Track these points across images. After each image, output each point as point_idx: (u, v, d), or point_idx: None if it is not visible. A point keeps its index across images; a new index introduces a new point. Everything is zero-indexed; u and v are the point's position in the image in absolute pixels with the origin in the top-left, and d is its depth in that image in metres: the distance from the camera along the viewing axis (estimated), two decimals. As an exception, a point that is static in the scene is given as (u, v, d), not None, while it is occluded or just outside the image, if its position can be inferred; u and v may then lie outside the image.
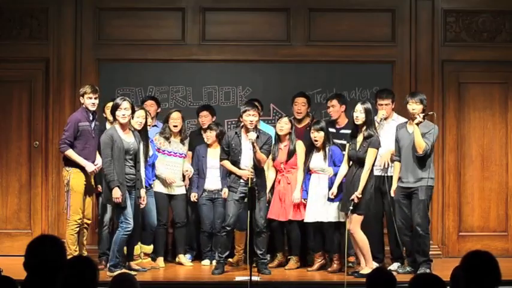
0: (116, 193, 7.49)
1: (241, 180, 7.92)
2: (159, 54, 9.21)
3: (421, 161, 7.71)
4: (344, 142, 8.05)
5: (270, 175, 8.30)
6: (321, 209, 7.94)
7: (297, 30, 9.23)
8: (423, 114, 7.72)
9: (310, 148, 8.05)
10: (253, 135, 7.79)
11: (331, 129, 8.26)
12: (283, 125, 8.22)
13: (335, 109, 8.40)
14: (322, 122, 8.14)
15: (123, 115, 7.63)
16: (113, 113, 7.70)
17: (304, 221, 8.05)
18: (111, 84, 9.21)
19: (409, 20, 9.20)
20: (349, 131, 8.03)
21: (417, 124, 7.68)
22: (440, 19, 9.22)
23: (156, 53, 9.21)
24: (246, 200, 7.89)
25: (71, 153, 7.87)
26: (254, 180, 7.74)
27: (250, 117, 7.84)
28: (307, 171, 8.06)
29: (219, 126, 8.59)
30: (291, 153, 8.19)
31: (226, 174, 8.25)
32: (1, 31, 9.17)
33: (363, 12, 9.25)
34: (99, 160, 7.92)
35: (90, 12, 9.18)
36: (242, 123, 7.99)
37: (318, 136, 7.97)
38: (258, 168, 7.89)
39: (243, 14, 9.27)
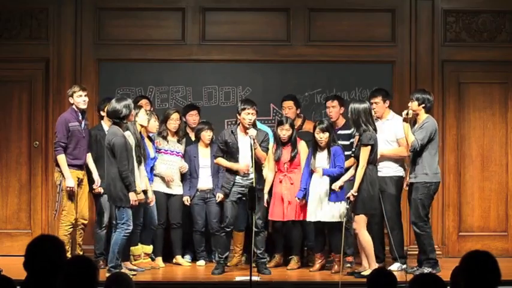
0: (133, 196, 7.50)
1: (237, 181, 7.91)
2: (159, 54, 9.22)
3: (415, 157, 7.74)
4: (346, 143, 8.05)
5: (268, 177, 8.30)
6: (320, 209, 7.93)
7: (297, 30, 9.23)
8: (411, 111, 7.75)
9: (314, 148, 8.05)
10: (253, 131, 7.80)
11: None
12: (286, 132, 8.22)
13: (335, 110, 8.42)
14: (326, 122, 8.13)
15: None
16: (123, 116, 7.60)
17: (307, 220, 8.05)
18: (111, 84, 9.21)
19: (409, 20, 9.21)
20: (347, 131, 8.05)
21: (404, 121, 7.72)
22: (440, 19, 9.22)
23: (156, 53, 9.22)
24: (243, 200, 7.91)
25: (62, 158, 7.92)
26: (251, 176, 7.75)
27: (249, 115, 7.85)
28: (310, 171, 8.05)
29: (211, 125, 8.61)
30: (294, 156, 8.21)
31: (217, 171, 8.27)
32: (1, 31, 9.18)
33: (363, 12, 9.25)
34: (96, 176, 8.10)
35: (90, 12, 9.18)
36: (238, 122, 7.99)
37: (323, 137, 7.95)
38: (257, 166, 7.90)
39: (243, 14, 9.28)
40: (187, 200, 8.52)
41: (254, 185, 7.69)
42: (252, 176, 7.83)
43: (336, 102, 8.44)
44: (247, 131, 7.84)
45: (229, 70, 9.40)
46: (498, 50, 9.25)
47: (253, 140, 7.77)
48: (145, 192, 7.82)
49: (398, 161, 8.18)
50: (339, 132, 8.34)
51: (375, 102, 8.20)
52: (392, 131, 8.07)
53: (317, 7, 9.27)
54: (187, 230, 8.62)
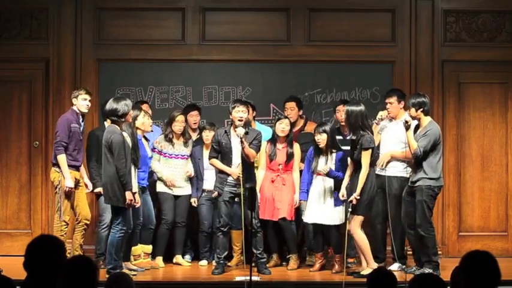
0: (129, 196, 7.41)
1: (229, 180, 7.92)
2: (159, 54, 9.22)
3: (420, 160, 7.73)
4: None
5: (259, 175, 8.30)
6: (321, 211, 7.94)
7: (297, 30, 9.24)
8: (409, 118, 7.74)
9: (316, 151, 8.05)
10: (241, 130, 7.79)
11: (338, 137, 8.27)
12: (285, 126, 8.24)
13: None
14: (327, 125, 8.12)
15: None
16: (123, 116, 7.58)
17: (304, 221, 8.06)
18: (111, 84, 9.21)
19: (409, 20, 9.21)
20: None
21: (406, 129, 7.69)
22: (440, 19, 9.23)
23: (156, 53, 9.22)
24: (236, 200, 7.93)
25: (62, 158, 7.92)
26: (244, 177, 7.75)
27: (239, 113, 7.86)
28: (312, 173, 8.06)
29: (214, 126, 8.59)
30: (291, 155, 8.22)
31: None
32: (1, 31, 9.18)
33: (363, 12, 9.26)
34: (88, 182, 8.13)
35: (90, 12, 9.19)
36: (231, 121, 7.99)
37: (320, 138, 7.97)
38: (247, 165, 7.90)
39: (243, 14, 9.28)
40: (194, 202, 8.52)
41: (242, 184, 7.70)
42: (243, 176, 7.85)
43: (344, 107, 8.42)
44: (236, 129, 7.85)
45: (229, 70, 9.40)
46: (498, 50, 9.25)
47: (241, 138, 7.77)
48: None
49: (406, 162, 8.16)
50: (349, 137, 8.30)
51: (390, 103, 8.18)
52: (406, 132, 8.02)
53: (317, 7, 9.28)
54: (190, 230, 8.62)
